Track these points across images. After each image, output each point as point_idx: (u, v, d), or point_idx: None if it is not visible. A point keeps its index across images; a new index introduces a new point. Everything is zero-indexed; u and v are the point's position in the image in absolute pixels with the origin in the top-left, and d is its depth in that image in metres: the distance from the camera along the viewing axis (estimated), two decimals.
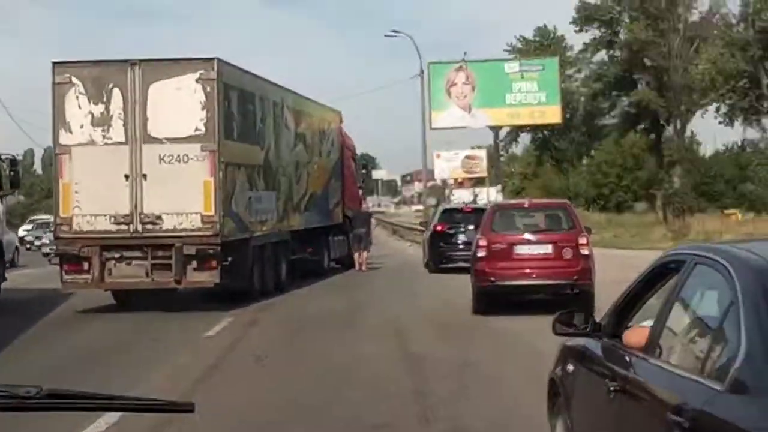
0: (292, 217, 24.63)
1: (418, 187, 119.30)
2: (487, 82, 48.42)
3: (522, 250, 18.09)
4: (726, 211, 58.72)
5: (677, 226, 44.61)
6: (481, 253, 18.03)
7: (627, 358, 5.26)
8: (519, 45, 72.87)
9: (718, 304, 4.49)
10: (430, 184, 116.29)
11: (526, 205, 21.22)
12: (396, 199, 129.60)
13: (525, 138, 78.90)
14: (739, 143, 77.40)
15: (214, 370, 12.85)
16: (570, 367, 6.41)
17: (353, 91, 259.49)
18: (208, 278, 19.35)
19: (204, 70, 19.18)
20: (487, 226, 18.49)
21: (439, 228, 29.22)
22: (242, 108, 20.80)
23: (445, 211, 31.81)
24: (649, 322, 5.19)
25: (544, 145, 76.54)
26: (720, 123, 51.12)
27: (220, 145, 19.28)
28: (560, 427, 6.50)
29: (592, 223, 56.73)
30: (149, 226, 19.22)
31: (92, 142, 19.25)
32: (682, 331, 4.86)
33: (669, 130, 54.53)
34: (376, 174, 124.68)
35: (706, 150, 77.94)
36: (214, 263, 19.25)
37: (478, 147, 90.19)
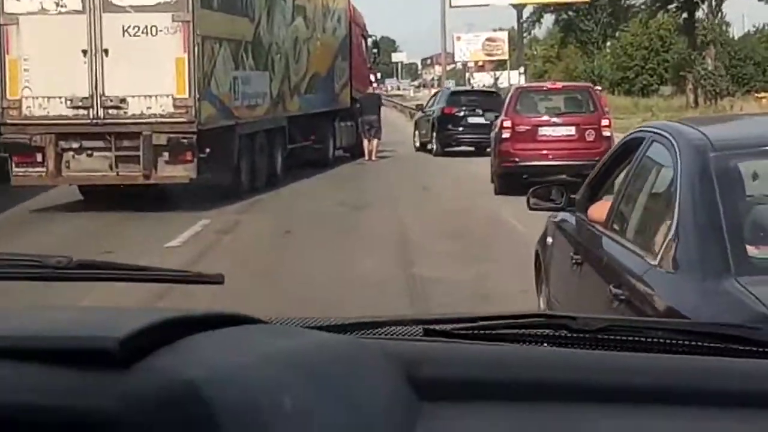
0: (289, 101, 21.22)
1: (438, 70, 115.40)
2: None
3: (545, 131, 18.31)
4: (758, 95, 55.29)
5: (710, 110, 41.18)
6: (505, 135, 18.12)
7: (588, 232, 5.40)
8: None
9: (664, 180, 4.48)
10: (450, 67, 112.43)
11: (549, 88, 21.22)
12: (416, 82, 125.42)
13: (548, 20, 74.73)
14: None
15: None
16: (549, 240, 6.50)
17: None
18: (182, 172, 16.11)
19: None
20: (511, 108, 18.57)
21: (446, 110, 28.00)
22: None
23: (453, 93, 30.50)
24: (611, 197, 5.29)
25: (568, 27, 72.29)
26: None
27: (196, 15, 15.86)
28: (542, 297, 6.56)
29: (618, 107, 53.81)
30: (112, 111, 15.93)
31: (43, 10, 15.88)
32: (634, 207, 4.89)
33: (702, 9, 50.23)
34: (396, 57, 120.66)
35: (735, 32, 73.68)
36: (189, 155, 16.00)
37: (500, 29, 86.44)
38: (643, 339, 1.68)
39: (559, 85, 22.78)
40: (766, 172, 4.44)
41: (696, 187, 3.98)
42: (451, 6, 46.27)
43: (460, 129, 27.67)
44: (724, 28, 67.58)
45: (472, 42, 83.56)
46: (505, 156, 18.05)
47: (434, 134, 28.32)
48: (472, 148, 26.75)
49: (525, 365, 1.56)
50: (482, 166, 20.92)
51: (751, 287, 3.42)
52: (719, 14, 49.15)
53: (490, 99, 28.55)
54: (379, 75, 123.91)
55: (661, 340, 1.68)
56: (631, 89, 68.72)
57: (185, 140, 15.85)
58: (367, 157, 26.88)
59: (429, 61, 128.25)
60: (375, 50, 30.02)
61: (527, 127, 18.23)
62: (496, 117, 20.15)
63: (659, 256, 3.99)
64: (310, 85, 22.81)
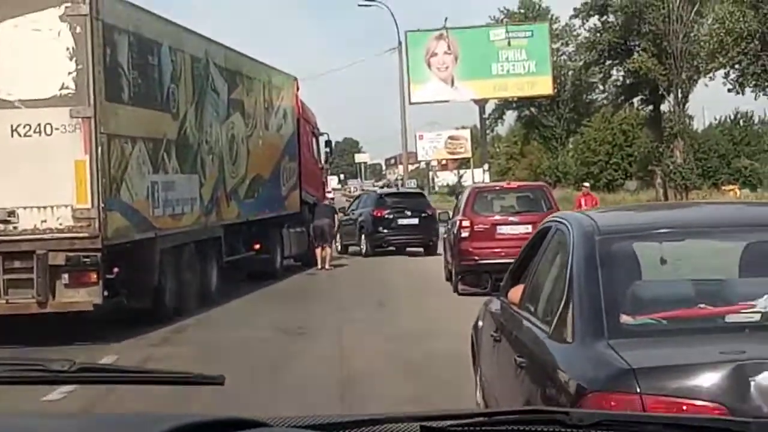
0: (225, 208, 18.36)
1: (402, 170, 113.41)
2: (471, 51, 41.96)
3: (503, 230, 18.46)
4: (725, 188, 53.30)
5: None
6: (464, 234, 18.35)
7: (506, 312, 5.94)
8: (502, 17, 66.63)
9: (562, 262, 4.92)
10: (414, 166, 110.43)
11: (504, 187, 21.57)
12: (380, 183, 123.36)
13: (510, 117, 72.86)
14: (732, 116, 71.83)
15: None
16: (480, 323, 6.94)
17: (329, 69, 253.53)
18: (85, 297, 13.15)
19: (71, 2, 12.96)
20: (469, 208, 18.83)
21: (376, 213, 28.12)
22: (138, 60, 14.46)
23: (381, 196, 30.86)
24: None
25: (531, 123, 70.36)
26: (730, 90, 44.73)
27: (100, 110, 13.08)
28: (477, 377, 6.92)
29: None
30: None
31: None
32: (541, 287, 5.29)
33: (668, 101, 48.15)
34: (359, 158, 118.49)
35: (697, 125, 71.91)
36: (93, 276, 13.10)
37: (462, 127, 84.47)
38: None
39: (515, 184, 23.22)
40: (669, 255, 5.12)
41: (582, 266, 4.59)
42: (410, 103, 43.76)
43: (390, 231, 27.79)
44: (687, 121, 65.91)
45: (434, 141, 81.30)
46: (464, 255, 18.11)
47: (363, 236, 28.14)
48: (393, 249, 27.73)
49: None
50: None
51: (618, 348, 4.04)
52: (685, 105, 46.95)
53: (417, 200, 29.74)
54: (341, 176, 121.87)
55: None
56: (596, 184, 66.53)
57: (87, 259, 12.95)
58: (319, 266, 24.02)
59: (393, 161, 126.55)
60: (327, 149, 27.26)
61: (485, 226, 18.49)
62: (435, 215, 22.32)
63: (552, 328, 4.64)
64: (252, 188, 20.01)
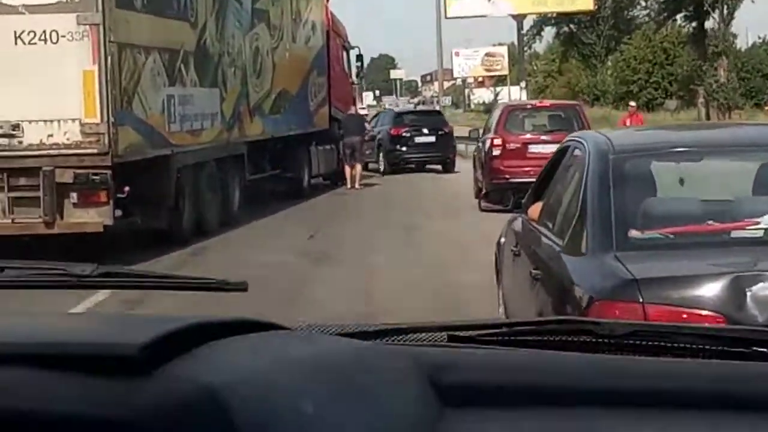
0: (249, 124, 17.42)
1: (437, 87, 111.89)
2: None
3: (535, 148, 17.87)
4: (767, 108, 51.77)
5: None
6: (495, 152, 18.22)
7: (525, 228, 6.06)
8: None
9: (577, 180, 5.02)
10: (450, 83, 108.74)
11: (536, 106, 21.27)
12: (415, 99, 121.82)
13: (549, 34, 71.05)
14: None
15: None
16: (502, 240, 7.00)
17: None
18: (95, 218, 12.31)
19: None
20: (501, 126, 18.66)
21: (393, 132, 28.25)
22: None
23: (398, 114, 30.95)
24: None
25: (569, 40, 68.42)
26: None
27: (109, 17, 12.11)
28: (500, 292, 7.01)
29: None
30: (3, 141, 12.19)
31: None
32: (557, 203, 5.41)
33: (713, 18, 46.40)
34: (394, 74, 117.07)
35: (740, 44, 69.88)
36: (103, 195, 12.26)
37: (500, 44, 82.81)
38: (669, 344, 1.66)
39: (547, 103, 22.98)
40: (684, 174, 5.40)
41: (595, 183, 4.71)
42: (446, 17, 42.36)
43: (408, 149, 27.84)
44: (732, 39, 64.00)
45: (471, 57, 79.91)
46: (495, 173, 17.99)
47: (381, 155, 28.05)
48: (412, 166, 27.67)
49: (549, 370, 1.53)
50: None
51: (624, 260, 4.20)
52: (730, 23, 45.24)
53: (434, 118, 29.82)
54: (377, 92, 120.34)
55: (689, 345, 1.65)
56: (636, 103, 65.00)
57: (97, 177, 12.10)
58: (348, 185, 23.12)
59: (428, 78, 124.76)
60: (359, 64, 26.11)
61: (517, 145, 18.25)
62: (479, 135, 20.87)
63: (565, 241, 4.78)
64: (277, 104, 19.04)
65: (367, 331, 1.68)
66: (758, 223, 4.57)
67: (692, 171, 5.40)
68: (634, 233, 4.49)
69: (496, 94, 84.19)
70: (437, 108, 40.81)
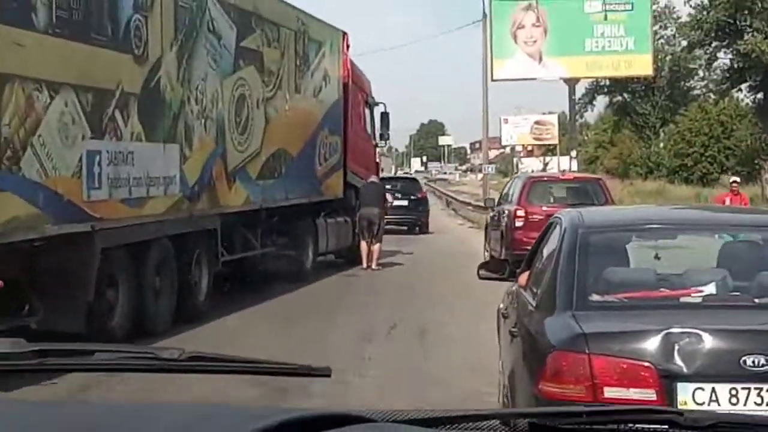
0: (226, 191, 13.38)
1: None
2: (563, 24, 36.34)
3: None
4: None
5: None
6: (518, 223, 17.91)
7: (514, 294, 6.38)
8: None
9: (554, 251, 5.51)
10: (498, 152, 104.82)
11: (560, 178, 21.10)
12: (463, 167, 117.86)
13: (601, 104, 66.94)
14: None
15: None
16: (501, 306, 7.21)
17: (411, 41, 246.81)
18: None
19: None
20: (524, 198, 18.40)
21: None
22: None
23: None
24: None
25: (623, 110, 64.25)
26: None
27: None
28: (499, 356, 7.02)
29: (678, 199, 45.73)
30: None
31: None
32: (540, 272, 5.74)
33: None
34: (443, 140, 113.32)
35: None
36: None
37: (550, 113, 78.76)
38: None
39: (570, 176, 22.61)
40: (654, 250, 6.25)
41: (566, 254, 5.26)
42: (492, 80, 38.37)
43: None
44: None
45: (520, 125, 75.48)
46: (518, 243, 17.10)
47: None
48: (399, 228, 28.33)
49: None
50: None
51: (579, 318, 4.75)
52: None
53: (409, 185, 32.04)
54: (424, 158, 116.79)
55: None
56: (690, 177, 60.50)
57: None
58: (365, 265, 18.97)
59: (477, 145, 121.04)
60: (385, 125, 22.00)
61: (540, 217, 17.04)
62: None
63: (537, 303, 5.33)
64: (271, 166, 15.04)
65: (447, 417, 1.62)
66: (701, 291, 5.18)
67: (660, 246, 6.25)
68: (595, 297, 5.06)
69: (546, 164, 79.99)
70: (412, 176, 45.04)
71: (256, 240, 15.28)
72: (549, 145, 79.09)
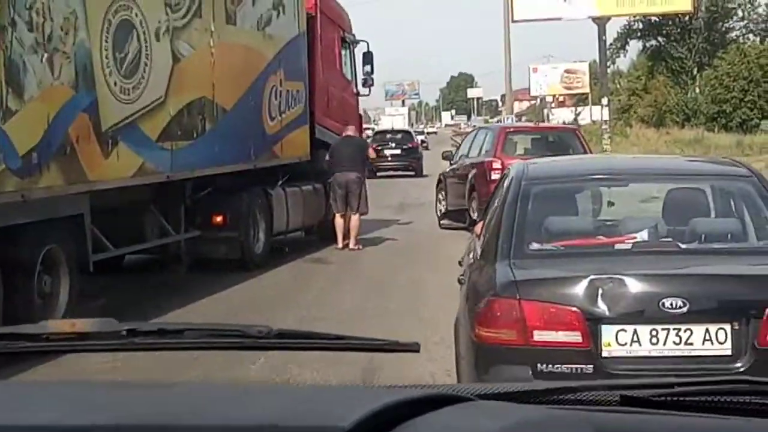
0: (100, 158, 8.97)
1: (518, 106, 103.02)
2: None
3: None
4: None
5: None
6: (495, 175, 15.00)
7: (470, 243, 6.39)
8: None
9: (500, 201, 5.53)
10: (529, 103, 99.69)
11: (534, 128, 20.86)
12: (495, 119, 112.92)
13: (633, 49, 61.87)
14: None
15: None
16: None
17: None
18: None
19: None
20: (500, 149, 16.85)
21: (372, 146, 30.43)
22: None
23: (377, 132, 39.47)
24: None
25: (657, 54, 59.10)
26: None
27: None
28: None
29: (716, 147, 40.92)
30: None
31: None
32: (488, 222, 5.71)
33: None
34: (471, 93, 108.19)
35: None
36: None
37: (581, 61, 73.71)
38: None
39: (544, 126, 22.62)
40: (593, 195, 6.85)
41: (508, 204, 5.30)
42: (513, 21, 33.77)
43: (380, 159, 31.00)
44: None
45: (549, 74, 70.73)
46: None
47: None
48: (395, 173, 32.06)
49: None
50: None
51: (515, 266, 4.81)
52: None
53: (403, 136, 36.26)
54: (452, 112, 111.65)
55: None
56: (729, 124, 55.55)
57: None
58: (340, 244, 14.62)
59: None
60: (368, 66, 17.42)
61: None
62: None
63: (478, 251, 5.38)
64: (188, 122, 10.67)
65: (535, 390, 1.60)
66: (635, 237, 5.25)
67: (600, 193, 6.72)
68: (534, 245, 5.10)
69: (577, 114, 75.15)
70: (406, 129, 46.73)
71: (173, 223, 11.02)
72: (580, 94, 74.36)
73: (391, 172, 31.69)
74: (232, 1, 11.83)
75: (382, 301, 10.53)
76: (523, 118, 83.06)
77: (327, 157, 14.67)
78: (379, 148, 32.44)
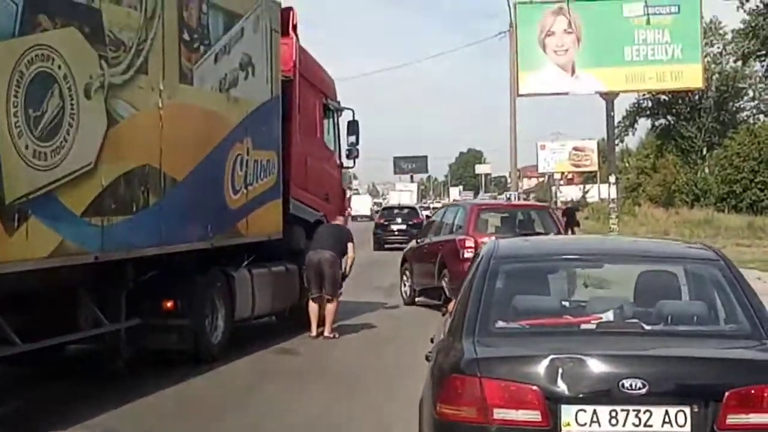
0: (1, 234, 7.49)
1: (527, 183, 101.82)
2: (598, 30, 30.06)
3: None
4: None
5: None
6: (467, 254, 15.06)
7: (442, 321, 6.30)
8: None
9: (470, 278, 5.52)
10: (537, 180, 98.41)
11: (506, 206, 20.60)
12: (503, 195, 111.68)
13: (642, 128, 60.49)
14: None
15: None
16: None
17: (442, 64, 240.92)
18: None
19: None
20: (472, 227, 16.23)
21: (377, 220, 38.22)
22: None
23: (385, 209, 41.73)
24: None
25: (667, 133, 57.74)
26: None
27: None
28: None
29: (726, 228, 39.24)
30: None
31: None
32: (458, 300, 5.56)
33: None
34: (480, 169, 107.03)
35: None
36: None
37: (589, 139, 72.48)
38: None
39: (517, 203, 22.31)
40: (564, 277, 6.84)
41: (476, 282, 5.30)
42: (518, 95, 32.37)
43: (386, 233, 35.39)
44: None
45: (557, 151, 69.50)
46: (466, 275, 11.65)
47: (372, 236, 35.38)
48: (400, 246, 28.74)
49: None
50: None
51: (479, 344, 4.78)
52: None
53: (409, 212, 38.24)
54: (460, 187, 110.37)
55: None
56: (739, 205, 53.95)
57: None
58: (313, 332, 12.94)
59: (519, 174, 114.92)
60: (353, 137, 15.80)
61: None
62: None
63: (447, 329, 5.28)
64: (126, 194, 9.08)
65: None
66: (600, 318, 5.22)
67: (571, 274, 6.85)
68: (500, 323, 5.06)
69: (585, 192, 73.74)
70: (412, 205, 47.07)
71: (110, 309, 9.40)
72: (589, 172, 72.98)
73: (397, 245, 32.28)
74: (188, 58, 10.30)
75: (344, 408, 8.85)
76: (531, 195, 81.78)
77: (307, 234, 13.19)
78: (386, 222, 36.28)
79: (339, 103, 15.42)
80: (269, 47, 12.37)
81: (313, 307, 12.91)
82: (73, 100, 8.23)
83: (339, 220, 13.76)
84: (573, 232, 38.95)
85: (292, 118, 13.13)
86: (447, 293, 14.26)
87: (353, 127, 15.59)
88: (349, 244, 13.24)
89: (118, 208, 8.94)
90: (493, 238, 14.58)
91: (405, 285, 17.65)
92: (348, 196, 19.03)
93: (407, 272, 17.62)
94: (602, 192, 54.95)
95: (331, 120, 15.14)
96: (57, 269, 8.24)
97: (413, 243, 18.38)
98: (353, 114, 15.51)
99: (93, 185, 8.55)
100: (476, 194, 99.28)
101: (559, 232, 16.30)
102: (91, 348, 10.57)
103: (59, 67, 8.06)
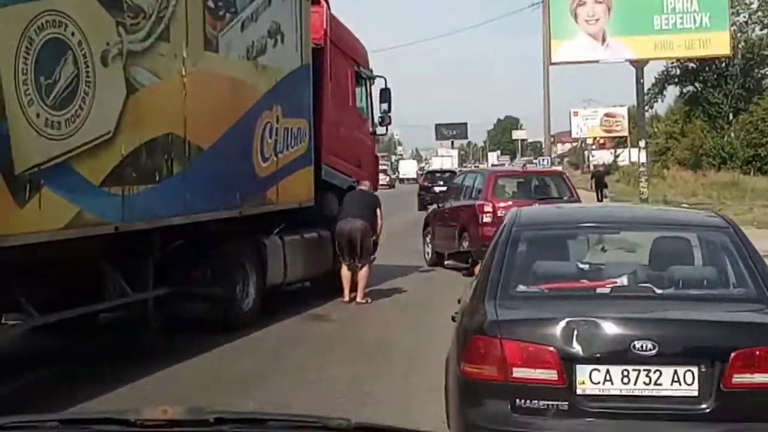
0: (11, 205, 6.74)
1: (560, 148, 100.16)
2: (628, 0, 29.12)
3: None
4: None
5: None
6: (486, 219, 15.16)
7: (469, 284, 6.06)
8: None
9: (494, 244, 5.45)
10: (570, 145, 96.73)
11: (522, 172, 20.11)
12: (536, 160, 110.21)
13: (671, 95, 58.86)
14: None
15: None
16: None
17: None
18: None
19: None
20: (490, 192, 15.77)
21: (421, 182, 40.51)
22: None
23: (428, 172, 44.85)
24: None
25: (694, 99, 56.12)
26: None
27: None
28: None
29: (752, 190, 37.85)
30: None
31: None
32: (483, 265, 5.51)
33: None
34: (516, 134, 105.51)
35: None
36: None
37: (620, 105, 70.92)
38: None
39: (533, 170, 22.24)
40: (581, 241, 6.24)
41: (499, 248, 5.23)
42: (551, 63, 31.28)
43: (428, 194, 31.93)
44: None
45: (590, 117, 68.13)
46: (485, 239, 12.47)
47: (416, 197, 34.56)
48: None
49: None
50: None
51: (499, 307, 4.76)
52: None
53: (450, 175, 34.53)
54: (498, 152, 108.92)
55: None
56: (764, 167, 52.36)
57: None
58: (345, 298, 12.19)
59: (553, 139, 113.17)
60: (386, 104, 15.03)
61: (505, 212, 12.69)
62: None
63: (472, 291, 5.20)
64: (147, 163, 8.35)
65: None
66: (615, 282, 5.14)
67: (587, 240, 6.25)
68: (520, 288, 5.01)
69: (616, 156, 72.25)
70: (452, 169, 47.65)
71: (138, 279, 8.70)
72: (620, 137, 71.49)
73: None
74: (214, 26, 9.50)
75: (374, 373, 8.12)
76: (565, 160, 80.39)
77: (340, 202, 12.40)
78: (429, 185, 37.03)
79: (371, 71, 14.55)
80: (299, 15, 11.53)
81: (345, 273, 12.15)
82: (88, 67, 7.46)
83: (364, 186, 12.88)
84: (602, 194, 37.95)
85: (324, 85, 12.31)
86: (473, 257, 13.78)
87: (385, 94, 14.73)
88: (377, 210, 12.43)
89: (140, 178, 8.20)
90: (510, 203, 14.23)
91: (428, 246, 17.42)
92: (388, 163, 18.14)
93: (429, 235, 17.39)
94: (632, 156, 53.60)
95: (363, 87, 14.30)
96: (77, 240, 7.52)
97: (435, 207, 18.08)
98: (386, 82, 14.67)
99: (112, 154, 7.81)
100: (513, 158, 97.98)
101: (572, 196, 15.88)
102: (123, 317, 9.91)
103: (72, 33, 7.29)
